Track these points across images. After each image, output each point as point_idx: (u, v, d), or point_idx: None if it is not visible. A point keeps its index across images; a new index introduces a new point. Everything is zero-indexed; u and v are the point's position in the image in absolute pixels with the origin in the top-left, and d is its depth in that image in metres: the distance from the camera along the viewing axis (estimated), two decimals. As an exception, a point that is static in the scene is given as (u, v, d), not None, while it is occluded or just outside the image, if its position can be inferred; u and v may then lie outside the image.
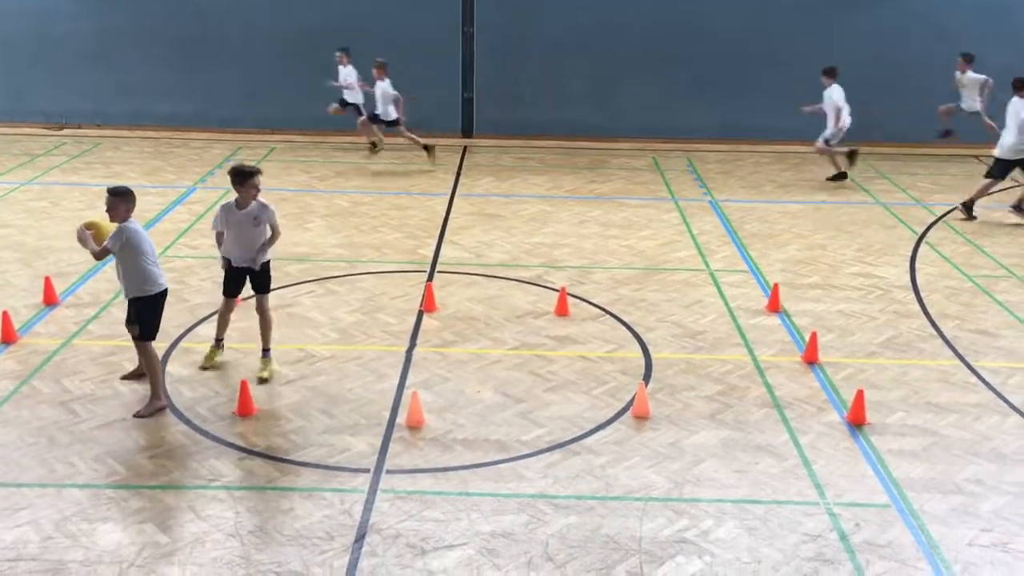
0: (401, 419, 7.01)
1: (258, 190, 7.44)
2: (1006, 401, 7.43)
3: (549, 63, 16.11)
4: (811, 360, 8.05)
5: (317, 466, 6.42)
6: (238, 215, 7.45)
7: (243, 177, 7.39)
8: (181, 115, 16.48)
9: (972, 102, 14.68)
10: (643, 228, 11.68)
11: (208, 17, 16.14)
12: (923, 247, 11.11)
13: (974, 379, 7.81)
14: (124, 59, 16.30)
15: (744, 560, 5.53)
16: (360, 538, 5.65)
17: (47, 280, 9.05)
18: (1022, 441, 6.87)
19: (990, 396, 7.52)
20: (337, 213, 11.99)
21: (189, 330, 8.46)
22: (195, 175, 13.76)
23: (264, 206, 7.49)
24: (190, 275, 9.77)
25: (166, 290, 7.17)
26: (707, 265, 10.36)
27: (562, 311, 8.95)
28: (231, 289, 7.75)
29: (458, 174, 14.21)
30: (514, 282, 9.81)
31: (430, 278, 9.81)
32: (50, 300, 8.92)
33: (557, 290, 9.24)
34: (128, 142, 15.80)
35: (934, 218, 12.24)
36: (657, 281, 9.90)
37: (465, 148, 15.89)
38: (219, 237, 7.70)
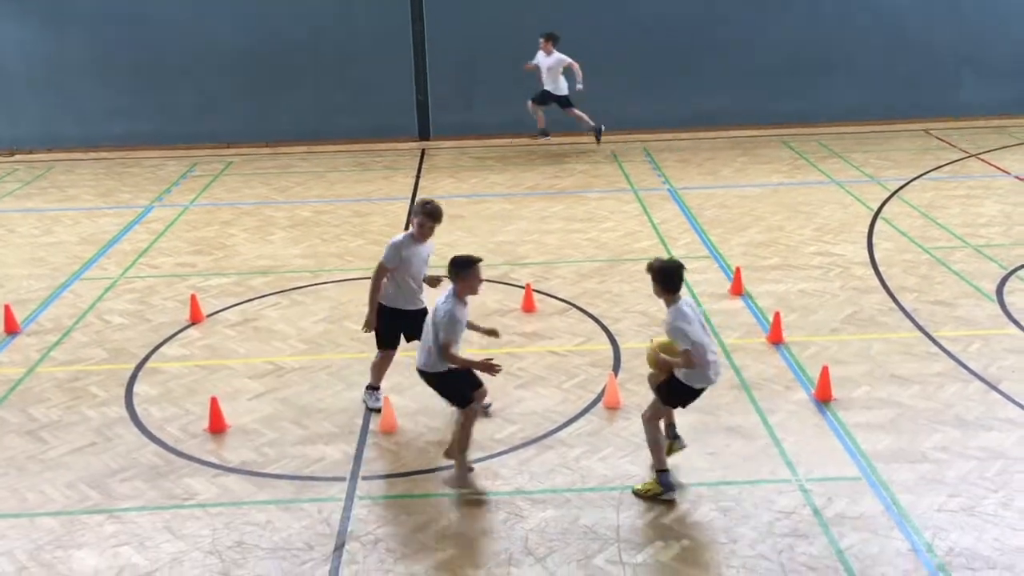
0: (374, 425, 7.02)
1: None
2: (967, 368, 7.59)
3: (502, 62, 16.11)
4: (776, 340, 8.16)
5: (293, 477, 6.41)
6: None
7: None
8: (134, 134, 16.30)
9: (555, 84, 14.35)
10: (604, 220, 11.76)
11: (156, 35, 15.97)
12: (879, 223, 11.30)
13: (935, 349, 7.96)
14: (74, 82, 16.10)
15: (721, 541, 5.61)
16: (340, 546, 5.65)
17: (7, 308, 8.93)
18: (984, 406, 7.02)
19: (951, 364, 7.68)
20: (299, 223, 11.94)
21: (155, 350, 8.39)
22: (151, 194, 13.64)
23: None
24: (152, 295, 9.69)
25: None
26: (669, 253, 10.45)
27: (528, 307, 9.00)
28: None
29: (417, 177, 14.21)
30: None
31: (395, 283, 9.80)
32: (11, 328, 8.81)
33: (523, 287, 9.28)
34: (81, 164, 15.62)
35: (888, 193, 12.44)
36: (621, 272, 9.97)
37: (423, 151, 15.89)
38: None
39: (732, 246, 10.66)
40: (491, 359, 6.05)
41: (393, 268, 6.94)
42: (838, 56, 16.01)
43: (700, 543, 5.59)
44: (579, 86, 14.28)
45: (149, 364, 8.14)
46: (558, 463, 6.49)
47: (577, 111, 14.60)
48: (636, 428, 6.89)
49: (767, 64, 16.01)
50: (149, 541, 5.75)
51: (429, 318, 6.18)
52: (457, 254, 6.27)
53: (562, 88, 14.48)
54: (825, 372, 7.24)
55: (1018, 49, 16.04)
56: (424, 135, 16.54)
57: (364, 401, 7.30)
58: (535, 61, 14.49)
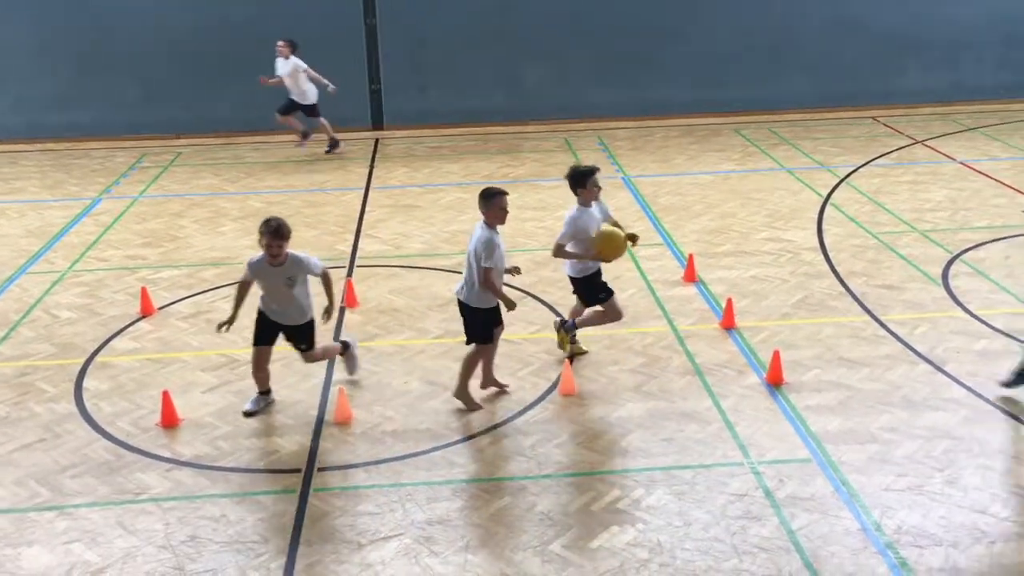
0: (329, 416, 6.99)
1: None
2: (914, 351, 7.75)
3: (456, 50, 16.09)
4: (728, 326, 8.26)
5: (247, 470, 6.36)
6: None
7: None
8: (80, 125, 15.99)
9: (300, 92, 14.03)
10: (559, 209, 11.74)
11: (101, 24, 15.67)
12: (829, 208, 11.47)
13: (883, 332, 8.12)
14: (16, 72, 15.73)
15: (675, 524, 5.68)
16: (295, 538, 5.62)
17: (-50, 304, 8.73)
18: (930, 388, 7.18)
19: (899, 347, 7.84)
20: (250, 215, 11.80)
21: (104, 344, 8.26)
22: (99, 186, 13.39)
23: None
24: (102, 288, 9.53)
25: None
26: (623, 241, 10.52)
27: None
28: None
29: (371, 167, 14.13)
30: (435, 271, 9.82)
31: (349, 273, 9.76)
32: (-46, 324, 8.62)
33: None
34: (26, 156, 15.28)
35: (837, 180, 12.63)
36: (576, 260, 10.00)
37: (377, 140, 15.79)
38: None
39: (685, 233, 10.76)
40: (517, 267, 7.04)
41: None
42: (788, 44, 16.20)
43: (655, 527, 5.66)
44: (331, 87, 13.96)
45: (99, 358, 8.01)
46: (514, 451, 6.52)
47: (324, 121, 14.29)
48: (591, 415, 6.95)
49: (719, 52, 16.15)
50: (101, 537, 5.67)
51: (470, 249, 6.74)
52: (485, 188, 6.88)
53: (309, 96, 14.10)
54: (776, 356, 7.35)
55: (961, 36, 16.35)
56: (378, 124, 16.44)
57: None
58: (276, 71, 14.06)
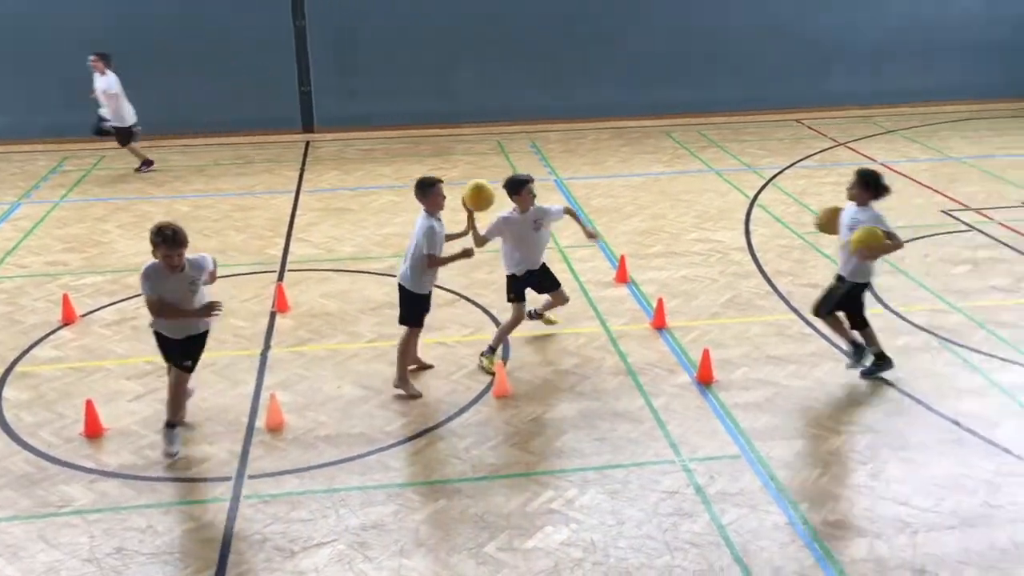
0: (261, 423, 6.89)
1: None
2: (838, 348, 7.94)
3: (387, 52, 16.00)
4: (659, 326, 8.37)
5: (175, 480, 6.24)
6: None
7: None
8: (-3, 127, 15.49)
9: (114, 111, 13.25)
10: (491, 211, 11.78)
11: (20, 24, 15.19)
12: (756, 209, 11.70)
13: (809, 330, 8.31)
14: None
15: (609, 523, 5.73)
16: (226, 547, 5.53)
17: None
18: (854, 383, 7.37)
19: (824, 345, 8.03)
20: (177, 219, 11.48)
21: (25, 353, 8.01)
22: (19, 190, 12.98)
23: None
24: (21, 296, 9.25)
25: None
26: (556, 243, 10.56)
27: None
28: None
29: (302, 170, 13.96)
30: (367, 275, 9.76)
31: (280, 278, 9.64)
32: None
33: (410, 279, 9.23)
34: (-60, 159, 14.74)
35: (764, 181, 12.89)
36: (509, 262, 10.03)
37: (308, 143, 15.62)
38: None
39: (617, 235, 10.87)
40: (470, 249, 7.26)
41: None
42: (716, 48, 16.48)
43: (588, 526, 5.70)
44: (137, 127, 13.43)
45: (19, 368, 7.76)
46: (449, 453, 6.51)
47: (135, 145, 13.59)
48: (524, 416, 6.98)
49: (650, 56, 16.35)
50: (23, 551, 5.50)
51: (412, 238, 7.12)
52: (421, 178, 7.25)
53: (125, 117, 13.30)
54: (706, 355, 7.47)
55: (883, 41, 16.82)
56: (308, 127, 16.25)
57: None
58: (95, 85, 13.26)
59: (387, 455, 6.50)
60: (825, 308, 7.46)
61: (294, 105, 16.10)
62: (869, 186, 7.07)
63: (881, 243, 6.93)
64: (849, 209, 7.24)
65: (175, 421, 6.51)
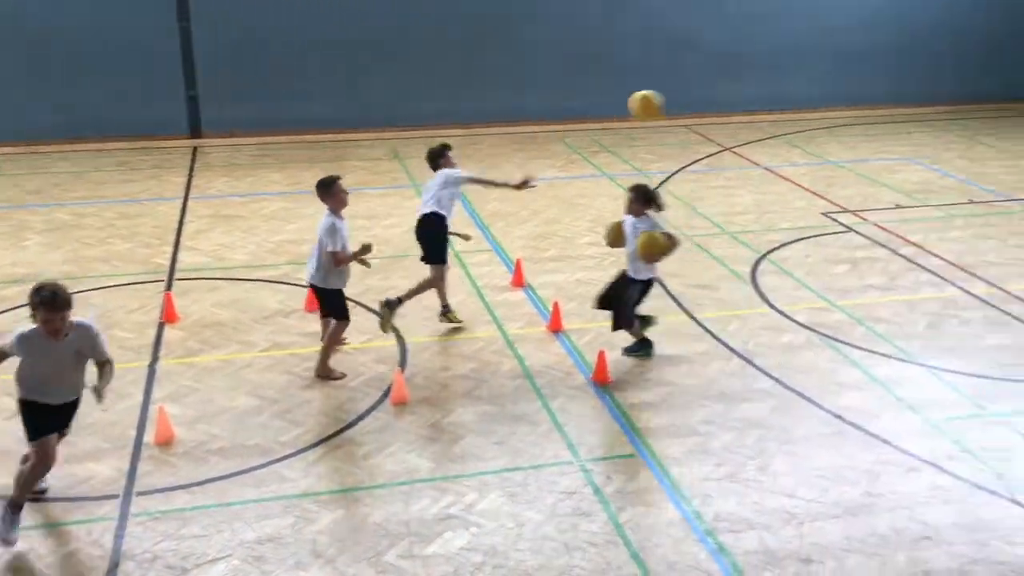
0: (149, 437, 6.67)
1: None
2: (727, 346, 8.19)
3: (278, 56, 15.72)
4: (556, 329, 8.47)
5: (58, 499, 5.98)
6: None
7: None
8: None
9: None
10: (387, 217, 11.75)
11: None
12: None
13: (699, 330, 8.54)
14: None
15: (508, 526, 5.76)
16: (113, 568, 5.34)
17: None
18: (743, 381, 7.62)
19: (714, 343, 8.27)
20: (57, 228, 11.12)
21: None
22: None
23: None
24: None
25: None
26: (453, 248, 10.57)
27: (312, 307, 8.83)
28: None
29: (190, 177, 13.59)
30: (260, 283, 9.56)
31: (168, 287, 9.36)
32: None
33: (306, 286, 9.09)
34: None
35: (655, 186, 13.17)
36: (405, 268, 9.99)
37: (195, 149, 15.21)
38: None
39: (513, 239, 10.95)
40: (368, 244, 7.40)
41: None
42: (608, 55, 16.77)
43: (488, 529, 5.72)
44: None
45: None
46: (346, 462, 6.44)
47: None
48: (423, 422, 6.96)
49: (545, 62, 16.54)
50: None
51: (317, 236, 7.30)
52: (320, 178, 7.53)
53: None
54: (602, 356, 7.60)
55: (767, 49, 17.41)
56: (195, 133, 15.83)
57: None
58: None
59: (283, 466, 6.39)
60: (606, 302, 7.93)
61: (180, 110, 15.66)
62: (643, 199, 7.75)
63: (661, 245, 7.56)
64: (628, 220, 7.82)
65: (22, 501, 5.56)
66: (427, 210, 8.30)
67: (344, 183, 7.45)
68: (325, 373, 7.55)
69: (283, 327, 8.50)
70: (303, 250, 10.50)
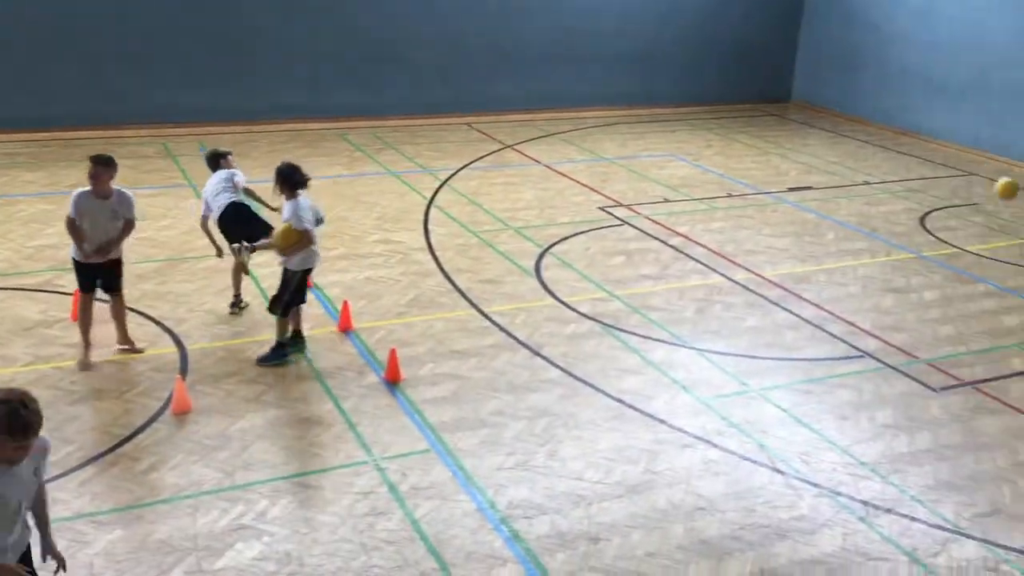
0: None
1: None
2: (514, 338, 8.41)
3: (32, 50, 14.50)
4: (346, 328, 8.37)
5: None
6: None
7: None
8: None
9: None
10: (161, 218, 11.16)
11: None
12: (433, 210, 12.05)
13: (487, 323, 8.72)
14: None
15: (303, 531, 5.65)
16: None
17: None
18: (530, 371, 7.85)
19: (502, 336, 8.46)
20: None
21: None
22: None
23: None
24: None
25: None
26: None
27: (77, 316, 8.25)
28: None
29: (-70, 177, 12.30)
30: (19, 291, 8.82)
31: (-92, 300, 8.43)
32: None
33: (70, 294, 8.48)
34: None
35: (439, 183, 13.30)
36: (183, 271, 9.55)
37: (-65, 146, 13.78)
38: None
39: (297, 239, 10.68)
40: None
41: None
42: (389, 53, 16.71)
43: (282, 537, 5.58)
44: None
45: None
46: (124, 478, 6.07)
47: None
48: (208, 431, 6.68)
49: (324, 58, 16.24)
50: None
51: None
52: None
53: None
54: (393, 354, 7.59)
55: (541, 50, 17.95)
56: (-66, 128, 14.33)
57: None
58: None
59: (52, 487, 5.92)
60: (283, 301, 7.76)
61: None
62: (283, 180, 7.54)
63: (289, 242, 7.41)
64: (285, 204, 7.61)
65: None
66: (229, 200, 8.74)
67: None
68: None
69: (46, 339, 7.89)
70: (63, 255, 9.74)
